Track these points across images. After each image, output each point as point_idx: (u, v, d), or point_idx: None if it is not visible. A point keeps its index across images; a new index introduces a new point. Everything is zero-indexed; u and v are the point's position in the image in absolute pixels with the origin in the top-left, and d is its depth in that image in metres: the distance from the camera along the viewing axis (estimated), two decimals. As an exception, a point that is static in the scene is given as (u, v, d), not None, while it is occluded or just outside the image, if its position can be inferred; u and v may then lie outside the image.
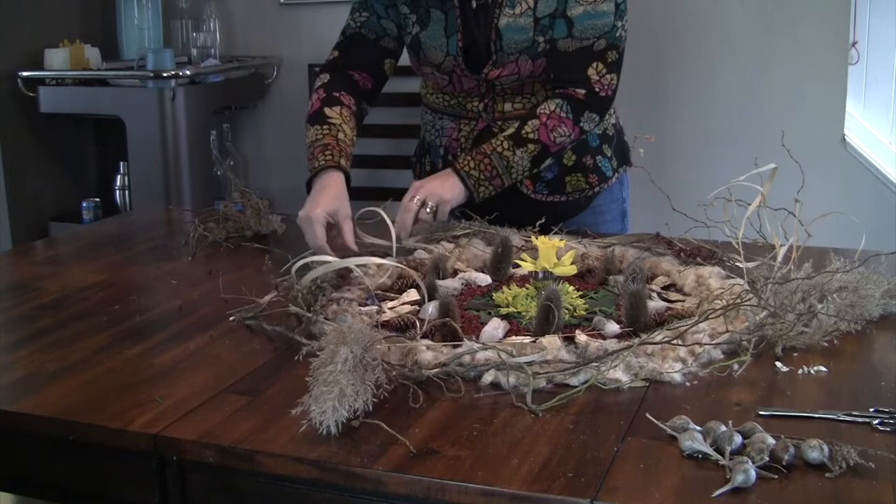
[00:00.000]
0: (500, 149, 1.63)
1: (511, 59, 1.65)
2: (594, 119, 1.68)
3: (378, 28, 1.76)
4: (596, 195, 1.81)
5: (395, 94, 3.32)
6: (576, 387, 1.09)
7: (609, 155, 1.82)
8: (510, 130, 1.64)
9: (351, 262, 1.34)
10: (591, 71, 1.65)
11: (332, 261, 1.33)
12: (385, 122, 3.36)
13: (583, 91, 1.65)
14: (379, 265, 1.44)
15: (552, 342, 1.16)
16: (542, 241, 1.39)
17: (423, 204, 1.59)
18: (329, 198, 1.56)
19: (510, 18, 1.63)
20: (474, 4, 1.65)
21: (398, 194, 3.37)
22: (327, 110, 1.68)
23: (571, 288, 1.38)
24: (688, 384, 1.11)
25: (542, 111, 1.64)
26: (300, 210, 1.56)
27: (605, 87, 1.66)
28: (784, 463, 0.91)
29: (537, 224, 1.61)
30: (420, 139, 1.92)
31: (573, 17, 1.62)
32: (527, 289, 1.37)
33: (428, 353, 1.14)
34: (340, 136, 1.65)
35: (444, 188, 1.61)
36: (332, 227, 1.56)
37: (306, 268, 1.33)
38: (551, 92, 1.68)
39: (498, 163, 1.62)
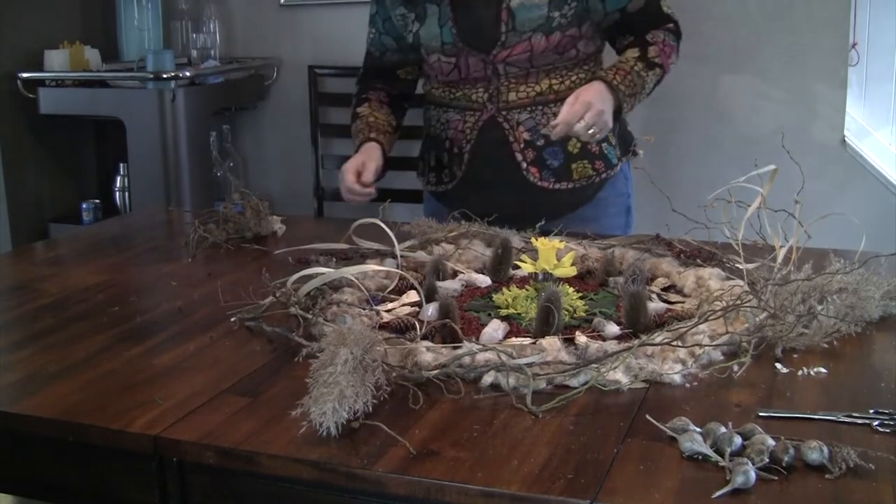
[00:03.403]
0: (636, 68, 1.68)
1: (524, 37, 1.67)
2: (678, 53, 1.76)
3: (379, 45, 1.86)
4: (602, 184, 1.82)
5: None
6: (576, 388, 1.09)
7: (614, 143, 1.83)
8: (634, 53, 1.70)
9: (348, 271, 1.34)
10: (663, 7, 1.75)
11: (329, 271, 1.33)
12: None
13: (671, 24, 1.75)
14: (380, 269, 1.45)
15: (552, 343, 1.16)
16: (542, 243, 1.39)
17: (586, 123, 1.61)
18: (357, 154, 1.78)
19: None
20: None
21: (398, 195, 3.38)
22: (357, 110, 1.88)
23: (571, 289, 1.38)
24: (688, 385, 1.11)
25: (654, 39, 1.71)
26: None
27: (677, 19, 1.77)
28: (784, 464, 0.91)
29: (537, 226, 1.61)
30: (423, 137, 1.94)
31: None
32: (527, 290, 1.37)
33: (428, 354, 1.14)
34: (370, 119, 1.84)
35: (603, 102, 1.62)
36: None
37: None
38: (641, 37, 1.73)
39: (637, 80, 1.68)
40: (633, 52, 1.71)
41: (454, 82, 1.79)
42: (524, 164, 1.76)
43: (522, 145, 1.75)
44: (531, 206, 1.68)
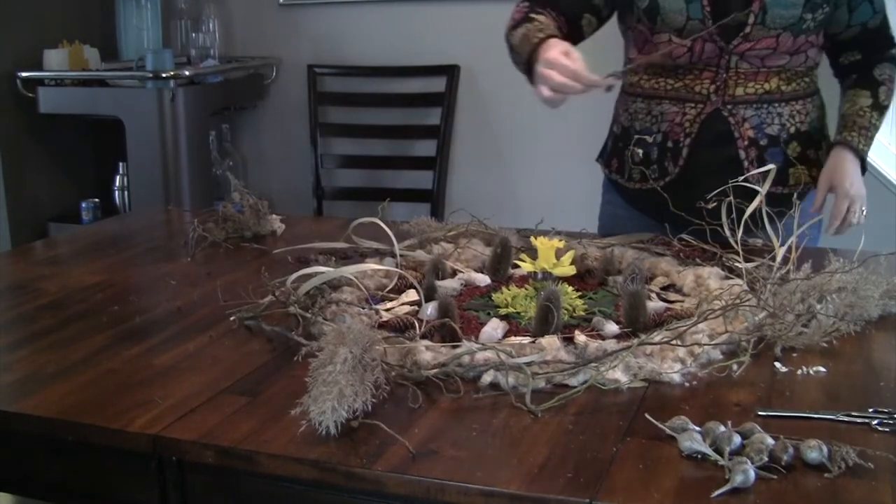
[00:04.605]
0: (873, 120, 1.68)
1: (771, 34, 1.60)
2: None
3: None
4: (806, 194, 1.73)
5: (394, 94, 3.33)
6: (575, 387, 1.09)
7: (824, 150, 1.78)
8: (867, 100, 1.69)
9: (348, 270, 1.34)
10: (890, 29, 1.72)
11: (328, 270, 1.33)
12: (385, 123, 3.36)
13: (894, 49, 1.73)
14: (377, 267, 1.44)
15: (551, 343, 1.16)
16: (541, 242, 1.39)
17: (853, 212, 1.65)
18: (559, 42, 1.51)
19: None
20: None
21: (397, 195, 3.37)
22: (533, 15, 1.63)
23: (570, 288, 1.38)
24: (687, 384, 1.11)
25: (882, 76, 1.70)
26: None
27: None
28: (783, 463, 0.91)
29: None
30: (616, 132, 1.82)
31: None
32: (526, 289, 1.37)
33: (427, 353, 1.14)
34: (549, 30, 1.59)
35: (857, 178, 1.66)
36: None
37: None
38: (869, 71, 1.72)
39: (873, 133, 1.68)
40: (865, 100, 1.68)
41: (676, 69, 1.67)
42: (745, 163, 1.67)
43: (747, 142, 1.67)
44: (741, 208, 1.56)
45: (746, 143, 1.67)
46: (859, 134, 1.67)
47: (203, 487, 1.03)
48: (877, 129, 1.69)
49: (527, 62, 1.57)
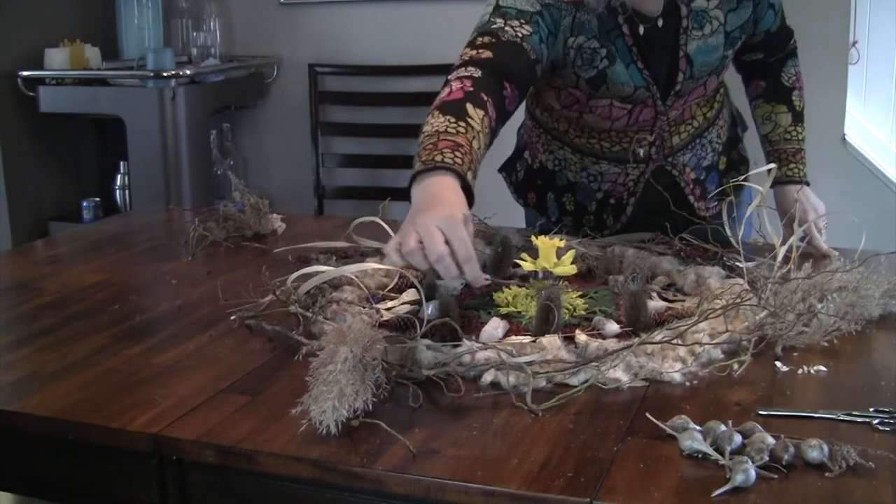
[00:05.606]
0: (800, 136, 1.68)
1: (699, 82, 1.57)
2: None
3: (539, 50, 1.47)
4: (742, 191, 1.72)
5: (394, 93, 3.33)
6: (575, 386, 1.09)
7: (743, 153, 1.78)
8: (786, 117, 1.68)
9: (348, 269, 1.34)
10: (786, 21, 1.70)
11: (329, 269, 1.33)
12: (385, 122, 3.36)
13: (792, 39, 1.72)
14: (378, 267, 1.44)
15: (552, 342, 1.16)
16: (541, 241, 1.39)
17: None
18: (465, 202, 1.23)
19: (700, 41, 1.54)
20: (641, 30, 1.51)
21: (397, 194, 3.38)
22: (470, 108, 1.36)
23: (571, 287, 1.38)
24: (687, 384, 1.11)
25: (791, 80, 1.70)
26: (408, 219, 1.20)
27: None
28: (784, 463, 0.91)
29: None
30: (531, 164, 1.78)
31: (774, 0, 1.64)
32: (527, 288, 1.37)
33: (428, 352, 1.14)
34: (475, 144, 1.32)
35: (818, 203, 1.65)
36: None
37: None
38: (774, 58, 1.71)
39: (804, 149, 1.68)
40: (785, 117, 1.68)
41: (612, 132, 1.63)
42: (694, 203, 1.68)
43: (692, 186, 1.68)
44: (688, 230, 1.56)
45: (692, 185, 1.68)
46: (796, 162, 1.67)
47: (203, 487, 1.03)
48: (804, 140, 1.69)
49: (422, 166, 1.27)
